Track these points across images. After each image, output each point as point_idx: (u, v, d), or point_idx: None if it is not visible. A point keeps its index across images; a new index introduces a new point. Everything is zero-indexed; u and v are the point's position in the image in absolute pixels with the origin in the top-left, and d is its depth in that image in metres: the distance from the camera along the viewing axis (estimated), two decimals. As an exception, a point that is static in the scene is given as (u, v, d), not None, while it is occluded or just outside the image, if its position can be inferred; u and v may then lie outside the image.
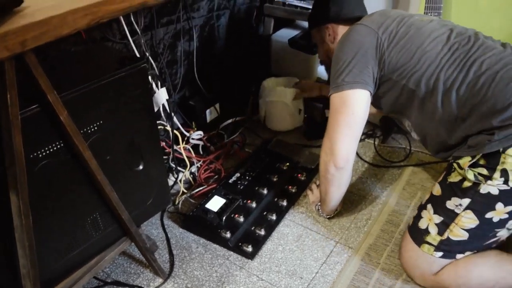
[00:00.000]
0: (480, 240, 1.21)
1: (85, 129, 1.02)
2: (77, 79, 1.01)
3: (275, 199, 1.63)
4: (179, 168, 1.60)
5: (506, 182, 1.11)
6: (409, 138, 1.95)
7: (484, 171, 1.13)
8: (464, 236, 1.20)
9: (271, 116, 2.07)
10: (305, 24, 2.33)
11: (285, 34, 2.25)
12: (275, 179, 1.69)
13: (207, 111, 1.94)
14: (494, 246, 1.25)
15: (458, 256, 1.23)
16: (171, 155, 1.51)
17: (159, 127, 1.44)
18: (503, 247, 1.28)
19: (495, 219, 1.16)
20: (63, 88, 0.94)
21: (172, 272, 1.38)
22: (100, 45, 1.38)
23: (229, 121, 2.03)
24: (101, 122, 1.05)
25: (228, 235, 1.45)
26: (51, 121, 0.92)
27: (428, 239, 1.25)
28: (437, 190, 1.26)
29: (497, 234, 1.20)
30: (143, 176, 1.22)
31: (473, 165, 1.15)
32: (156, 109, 1.32)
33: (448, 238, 1.22)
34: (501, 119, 1.12)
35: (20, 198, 0.86)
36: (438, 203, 1.24)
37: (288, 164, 1.77)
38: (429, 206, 1.27)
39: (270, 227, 1.52)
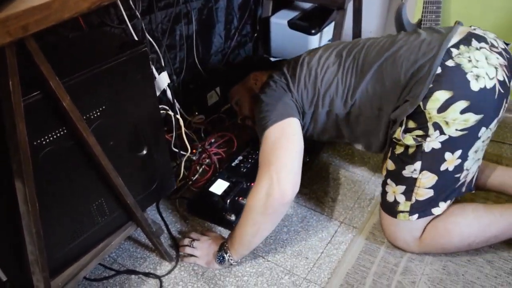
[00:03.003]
0: (446, 189, 1.27)
1: (88, 115, 1.01)
2: (78, 64, 0.99)
3: (279, 181, 1.63)
4: (181, 152, 1.60)
5: (442, 133, 1.17)
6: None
7: (420, 132, 1.19)
8: (430, 193, 1.26)
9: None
10: (305, 4, 2.32)
11: (284, 15, 2.23)
12: (278, 161, 1.69)
13: (208, 95, 1.93)
14: (465, 190, 1.32)
15: (434, 210, 1.29)
16: (173, 140, 1.51)
17: (161, 111, 1.43)
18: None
19: (451, 168, 1.22)
20: (64, 74, 0.93)
21: (178, 255, 1.39)
22: (99, 30, 1.37)
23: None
24: (104, 107, 1.04)
25: (233, 217, 1.46)
26: (53, 108, 0.91)
27: (400, 207, 1.31)
28: (391, 165, 1.30)
29: (460, 178, 1.26)
30: (147, 161, 1.22)
31: (406, 131, 1.21)
32: (158, 93, 1.31)
33: (416, 200, 1.27)
34: (401, 89, 1.21)
35: (26, 185, 0.86)
36: (396, 176, 1.29)
37: (290, 146, 1.76)
38: (389, 180, 1.32)
39: (274, 209, 1.53)
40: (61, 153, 0.98)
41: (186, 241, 1.39)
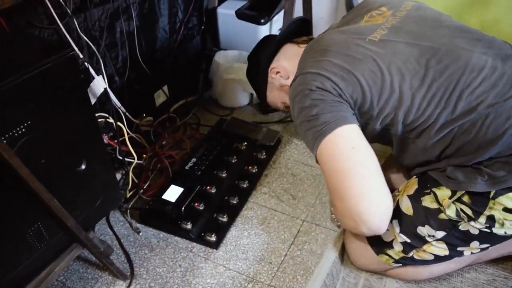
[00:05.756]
0: (445, 261, 1.13)
1: (10, 133, 0.89)
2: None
3: (236, 182, 1.55)
4: (128, 159, 1.48)
5: (490, 228, 0.99)
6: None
7: (468, 211, 0.99)
8: (430, 257, 1.11)
9: (228, 94, 1.98)
10: (251, -7, 2.22)
11: (232, 5, 2.13)
12: (233, 161, 1.60)
13: (155, 94, 1.82)
14: None
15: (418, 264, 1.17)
16: (117, 148, 1.39)
17: (100, 119, 1.31)
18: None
19: (466, 252, 1.08)
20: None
21: (133, 272, 1.29)
22: (23, 34, 1.23)
23: (180, 102, 1.92)
24: (29, 122, 0.92)
25: (189, 226, 1.36)
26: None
27: (390, 252, 1.15)
28: (406, 208, 1.09)
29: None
30: (87, 175, 1.11)
31: (455, 200, 1.01)
32: (93, 101, 1.19)
33: (412, 257, 1.12)
34: (488, 156, 0.97)
35: None
36: (407, 224, 1.09)
37: (246, 143, 1.69)
38: (395, 221, 1.11)
39: (233, 212, 1.45)
40: (-18, 179, 0.86)
41: None
